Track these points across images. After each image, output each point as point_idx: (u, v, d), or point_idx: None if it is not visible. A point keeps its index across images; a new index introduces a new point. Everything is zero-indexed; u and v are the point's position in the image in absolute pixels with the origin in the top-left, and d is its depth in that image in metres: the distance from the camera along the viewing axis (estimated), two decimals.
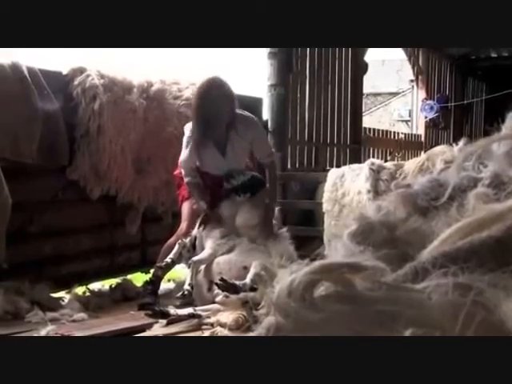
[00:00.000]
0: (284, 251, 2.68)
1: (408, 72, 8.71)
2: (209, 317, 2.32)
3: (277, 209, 3.01)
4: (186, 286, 2.46)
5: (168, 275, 2.98)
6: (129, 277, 3.34)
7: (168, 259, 2.59)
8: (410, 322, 0.50)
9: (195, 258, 2.60)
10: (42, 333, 2.13)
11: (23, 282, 2.64)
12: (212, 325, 2.26)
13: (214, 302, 2.42)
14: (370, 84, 8.99)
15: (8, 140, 2.65)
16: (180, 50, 4.09)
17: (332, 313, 0.53)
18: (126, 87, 3.20)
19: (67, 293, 2.86)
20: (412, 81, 8.17)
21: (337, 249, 0.81)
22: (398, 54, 8.64)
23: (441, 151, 3.21)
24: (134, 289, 3.01)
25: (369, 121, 9.73)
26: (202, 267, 2.61)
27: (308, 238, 3.42)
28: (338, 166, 4.51)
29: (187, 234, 2.82)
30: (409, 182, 1.06)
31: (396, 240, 0.81)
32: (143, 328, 2.28)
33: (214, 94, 2.66)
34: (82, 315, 2.49)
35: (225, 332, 2.13)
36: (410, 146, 7.21)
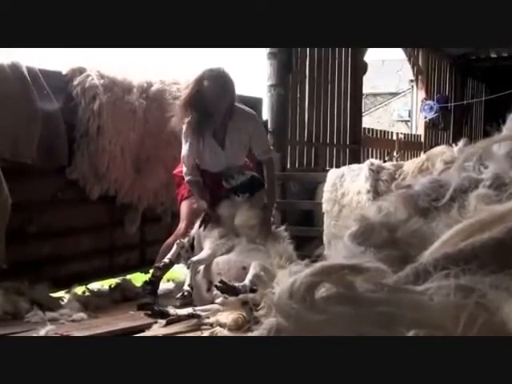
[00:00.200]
0: (283, 251, 2.68)
1: (408, 72, 8.71)
2: (208, 317, 2.31)
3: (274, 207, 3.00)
4: (186, 287, 2.46)
5: (167, 275, 2.98)
6: (128, 277, 3.34)
7: (166, 259, 2.59)
8: (412, 324, 0.50)
9: (194, 259, 2.59)
10: (42, 333, 2.12)
11: (23, 282, 2.63)
12: (211, 325, 2.26)
13: (213, 303, 2.42)
14: (369, 84, 9.00)
15: (7, 140, 2.64)
16: (180, 49, 4.09)
17: (333, 314, 0.53)
18: (126, 87, 3.19)
19: (67, 293, 2.86)
20: (412, 81, 8.18)
21: (337, 250, 0.80)
22: (397, 54, 8.64)
23: (440, 152, 3.21)
24: (134, 289, 3.01)
25: (368, 121, 9.74)
26: (201, 267, 2.60)
27: (308, 239, 3.42)
28: (338, 166, 4.51)
29: (185, 234, 2.82)
30: (409, 183, 1.05)
31: (397, 241, 0.81)
32: (143, 328, 2.28)
33: (216, 79, 2.65)
34: (82, 315, 2.49)
35: (224, 332, 2.13)
36: (410, 146, 7.21)
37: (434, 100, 7.52)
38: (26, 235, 2.84)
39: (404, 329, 0.49)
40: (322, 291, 0.58)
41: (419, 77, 7.46)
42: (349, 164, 4.13)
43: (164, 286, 3.06)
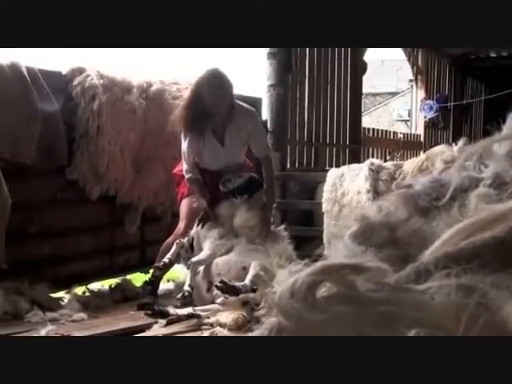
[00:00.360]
0: (283, 251, 2.68)
1: (407, 72, 8.72)
2: (208, 317, 2.31)
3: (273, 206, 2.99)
4: (186, 287, 2.46)
5: (167, 275, 2.98)
6: (128, 277, 3.33)
7: (166, 259, 2.59)
8: (413, 323, 0.50)
9: (194, 259, 2.59)
10: (42, 333, 2.12)
11: (23, 282, 2.63)
12: (212, 325, 2.26)
13: (213, 303, 2.42)
14: (369, 84, 9.01)
15: (7, 140, 2.64)
16: (180, 49, 4.09)
17: (334, 314, 0.53)
18: (126, 87, 3.19)
19: (67, 293, 2.86)
20: (411, 81, 8.18)
21: (338, 249, 0.80)
22: (397, 54, 8.65)
23: (440, 151, 3.21)
24: (134, 289, 3.01)
25: (368, 121, 9.74)
26: (201, 268, 2.60)
27: (307, 238, 3.42)
28: (338, 165, 4.51)
29: (185, 233, 2.82)
30: (410, 183, 1.05)
31: (397, 240, 0.81)
32: (143, 328, 2.28)
33: (213, 83, 2.65)
34: (82, 315, 2.49)
35: (224, 332, 2.13)
36: (410, 145, 7.21)
37: (433, 99, 7.52)
38: (26, 235, 2.84)
39: (405, 328, 0.49)
40: (322, 290, 0.58)
41: (419, 76, 7.46)
42: (349, 164, 4.13)
43: (164, 286, 3.06)
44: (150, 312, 2.27)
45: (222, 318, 2.26)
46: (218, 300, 2.37)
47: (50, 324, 2.26)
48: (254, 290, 2.33)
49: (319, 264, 0.62)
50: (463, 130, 8.23)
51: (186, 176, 2.85)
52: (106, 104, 3.04)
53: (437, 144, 5.63)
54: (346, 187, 3.45)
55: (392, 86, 12.48)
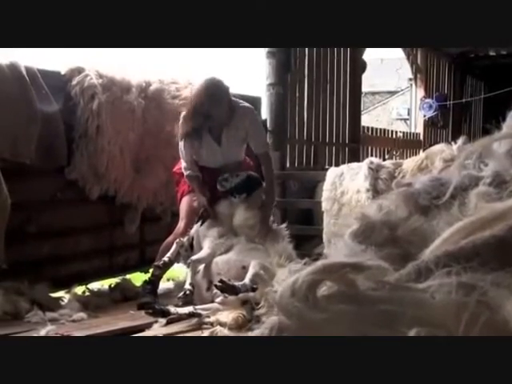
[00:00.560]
0: (283, 250, 2.68)
1: (407, 71, 8.71)
2: (208, 316, 2.31)
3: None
4: (187, 286, 2.45)
5: (167, 274, 2.98)
6: (128, 276, 3.34)
7: (166, 258, 2.59)
8: (414, 322, 0.50)
9: (194, 257, 2.59)
10: (42, 333, 2.12)
11: (23, 282, 2.63)
12: (212, 324, 2.26)
13: (213, 302, 2.42)
14: (368, 83, 9.00)
15: (7, 140, 2.64)
16: (179, 49, 4.09)
17: (335, 313, 0.53)
18: (125, 87, 3.19)
19: (66, 293, 2.86)
20: (410, 79, 8.18)
21: (338, 248, 0.80)
22: (396, 53, 8.64)
23: (440, 150, 3.21)
24: (134, 288, 3.01)
25: (367, 119, 9.74)
26: (201, 267, 2.60)
27: (307, 237, 3.42)
28: (337, 164, 4.51)
29: (185, 233, 2.82)
30: (410, 181, 1.06)
31: (397, 239, 0.81)
32: (143, 327, 2.28)
33: (212, 96, 2.68)
34: (82, 315, 2.49)
35: (224, 331, 2.13)
36: (409, 144, 7.21)
37: (433, 98, 7.52)
38: (26, 235, 2.84)
39: (406, 327, 0.49)
40: (323, 289, 0.58)
41: (418, 75, 7.46)
42: (348, 163, 4.13)
43: (164, 285, 3.06)
44: (150, 311, 2.27)
45: (221, 317, 2.26)
46: (218, 299, 2.37)
47: (49, 324, 2.25)
48: (253, 289, 2.33)
49: (320, 263, 0.62)
50: (462, 129, 8.23)
51: (186, 173, 2.85)
52: (105, 104, 3.04)
53: (436, 143, 5.63)
54: (346, 186, 3.45)
55: (391, 84, 12.47)
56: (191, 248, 2.75)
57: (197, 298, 2.53)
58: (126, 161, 3.20)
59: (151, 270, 2.63)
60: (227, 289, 2.27)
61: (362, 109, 6.30)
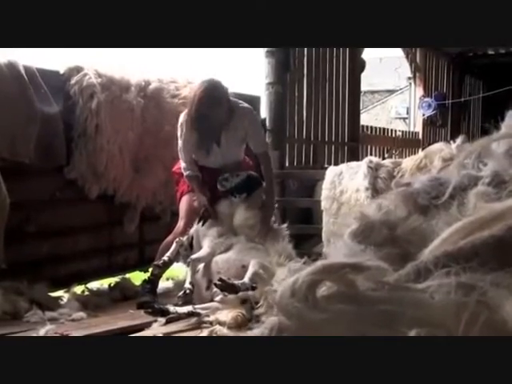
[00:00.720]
0: (282, 249, 2.68)
1: (405, 69, 8.71)
2: (208, 315, 2.32)
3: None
4: (187, 285, 2.45)
5: (166, 274, 2.98)
6: (127, 276, 3.33)
7: (165, 257, 2.59)
8: (413, 322, 0.50)
9: (194, 256, 2.60)
10: (41, 332, 2.12)
11: (22, 282, 2.63)
12: (211, 323, 2.26)
13: (212, 301, 2.43)
14: (367, 81, 9.00)
15: (5, 140, 2.63)
16: (178, 48, 4.08)
17: (335, 313, 0.53)
18: (124, 86, 3.18)
19: (66, 292, 2.86)
20: (409, 78, 8.18)
21: (338, 248, 0.80)
22: (395, 52, 8.64)
23: (438, 149, 3.21)
24: (133, 288, 3.01)
25: (366, 118, 9.74)
26: (201, 266, 2.61)
27: (307, 236, 3.43)
28: (336, 163, 4.51)
29: (185, 232, 2.82)
30: (409, 181, 1.06)
31: (397, 239, 0.81)
32: (142, 327, 2.28)
33: (210, 97, 2.68)
34: (81, 314, 2.49)
35: (224, 330, 2.14)
36: (408, 143, 7.22)
37: (431, 97, 7.52)
38: (25, 235, 2.83)
39: (405, 327, 0.49)
40: (323, 290, 0.58)
41: (417, 74, 7.47)
42: (347, 161, 4.13)
43: (163, 284, 3.06)
44: (149, 310, 2.27)
45: (221, 316, 2.26)
46: (217, 298, 2.38)
47: (49, 323, 2.25)
48: (253, 288, 2.33)
49: (319, 263, 0.62)
50: (461, 128, 8.24)
51: (185, 173, 2.85)
52: (105, 103, 3.03)
53: (435, 142, 5.63)
54: (345, 185, 3.46)
55: (390, 83, 12.47)
56: (191, 247, 2.75)
57: (196, 297, 2.53)
58: (125, 160, 3.19)
59: (151, 270, 2.63)
60: (227, 287, 2.27)
61: (361, 108, 6.30)
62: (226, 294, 2.30)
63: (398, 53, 8.20)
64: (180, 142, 2.83)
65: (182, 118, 2.84)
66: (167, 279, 3.35)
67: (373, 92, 12.55)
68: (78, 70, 3.01)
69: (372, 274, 0.59)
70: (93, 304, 2.72)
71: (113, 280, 3.17)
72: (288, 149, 4.61)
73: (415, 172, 3.10)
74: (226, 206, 2.78)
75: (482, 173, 0.88)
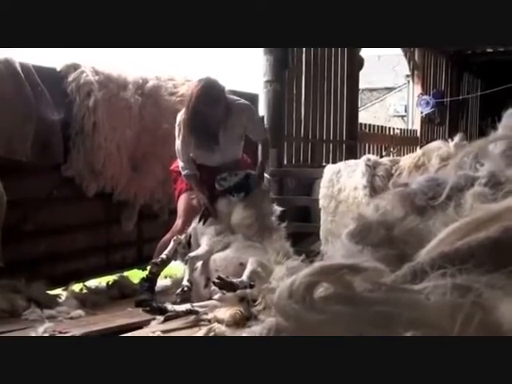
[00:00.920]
0: (280, 247, 2.69)
1: (404, 67, 8.71)
2: (206, 313, 2.32)
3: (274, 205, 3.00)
4: (185, 282, 2.46)
5: (164, 272, 2.98)
6: (125, 274, 3.34)
7: (163, 255, 2.60)
8: (409, 323, 0.50)
9: (192, 254, 2.60)
10: (40, 330, 2.12)
11: (19, 280, 2.63)
12: (209, 321, 2.27)
13: (211, 299, 2.43)
14: (365, 79, 8.98)
15: (2, 138, 2.62)
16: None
17: (332, 314, 0.53)
18: (121, 84, 3.17)
19: (64, 290, 2.86)
20: (408, 76, 8.18)
21: (335, 248, 0.81)
22: (393, 50, 8.64)
23: (436, 147, 3.21)
24: (131, 286, 3.01)
25: (365, 116, 9.73)
26: (199, 264, 2.61)
27: (304, 234, 3.43)
28: (335, 161, 4.51)
29: (183, 230, 2.82)
30: (406, 181, 1.06)
31: (394, 239, 0.81)
32: (140, 325, 2.29)
33: (207, 96, 2.68)
34: (79, 312, 2.49)
35: (222, 328, 2.14)
36: (406, 141, 7.22)
37: (430, 95, 7.53)
38: (22, 233, 2.83)
39: (401, 328, 0.49)
40: (320, 291, 0.58)
41: (415, 72, 7.47)
42: (345, 160, 4.13)
43: (161, 282, 3.06)
44: (147, 308, 2.28)
45: (219, 314, 2.27)
46: (216, 296, 2.38)
47: (47, 321, 2.26)
48: (251, 286, 2.34)
49: (317, 264, 0.62)
50: (459, 126, 8.25)
51: (183, 172, 2.85)
52: (102, 100, 3.02)
53: (433, 139, 5.64)
54: (343, 183, 3.46)
55: (389, 81, 12.46)
56: (189, 245, 2.75)
57: (194, 294, 2.53)
58: (122, 158, 3.19)
59: (149, 268, 2.63)
60: (225, 285, 2.28)
61: (359, 106, 6.30)
62: (225, 291, 2.31)
63: (396, 51, 8.20)
64: (178, 142, 2.83)
65: (179, 117, 2.84)
66: (165, 277, 3.35)
67: (371, 90, 12.54)
68: (75, 67, 3.00)
69: (369, 275, 0.59)
70: (91, 302, 2.72)
71: (111, 278, 3.17)
72: (286, 147, 4.61)
73: (413, 170, 3.10)
74: (224, 205, 2.78)
75: (478, 173, 0.88)
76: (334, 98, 5.28)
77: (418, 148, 5.87)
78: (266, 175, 3.16)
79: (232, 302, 2.33)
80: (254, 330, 0.70)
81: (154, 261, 2.61)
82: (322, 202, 3.51)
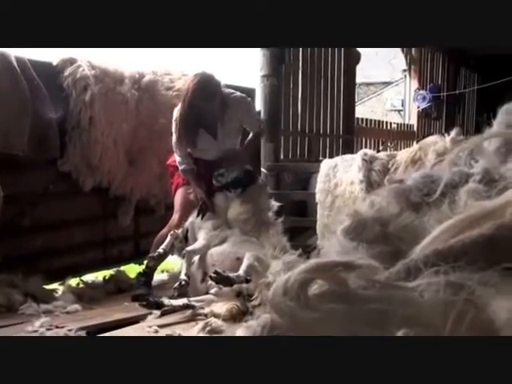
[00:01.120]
0: (277, 242, 2.70)
1: (401, 62, 8.68)
2: (203, 307, 2.33)
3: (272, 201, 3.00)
4: (183, 276, 2.47)
5: (161, 266, 2.99)
6: (122, 268, 3.34)
7: (160, 249, 2.60)
8: (403, 321, 0.51)
9: (189, 248, 2.61)
10: (36, 325, 2.13)
11: (16, 275, 2.63)
12: (206, 315, 2.28)
13: (207, 293, 2.44)
14: (362, 74, 8.94)
15: None
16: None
17: (326, 312, 0.54)
18: (118, 78, 3.16)
19: (61, 285, 2.86)
20: (405, 70, 8.16)
21: (331, 245, 0.81)
22: None
23: (433, 141, 3.22)
24: (128, 280, 3.02)
25: (362, 110, 9.71)
26: (196, 258, 2.62)
27: (301, 229, 3.44)
28: (331, 156, 4.51)
29: (179, 225, 2.82)
30: (402, 178, 1.07)
31: (388, 236, 0.82)
32: (137, 319, 2.30)
33: (203, 91, 2.67)
34: (76, 307, 2.50)
35: (218, 322, 2.15)
36: (403, 136, 7.23)
37: (426, 89, 7.52)
38: (19, 228, 2.82)
39: (395, 326, 0.50)
40: (314, 288, 0.59)
41: (412, 66, 7.46)
42: (342, 154, 4.13)
43: (158, 276, 3.07)
44: (144, 303, 2.29)
45: (216, 309, 2.28)
46: (212, 290, 2.39)
47: (44, 316, 2.26)
48: (248, 281, 2.35)
49: (312, 262, 0.63)
50: (456, 120, 8.26)
51: (180, 167, 2.85)
52: (98, 95, 3.01)
53: (430, 134, 5.63)
54: (340, 178, 3.46)
55: (385, 75, 12.43)
56: (186, 240, 2.76)
57: (191, 289, 2.54)
58: (119, 153, 3.18)
59: (145, 262, 2.64)
60: (222, 280, 2.29)
61: (356, 100, 6.28)
62: (221, 286, 2.32)
63: None
64: (174, 137, 2.82)
65: (176, 112, 2.83)
66: (162, 272, 3.36)
67: (368, 84, 12.50)
68: (71, 61, 2.98)
69: (363, 273, 0.60)
70: (88, 296, 2.72)
71: (108, 273, 3.17)
72: (283, 141, 4.60)
73: (410, 165, 3.11)
74: (222, 200, 2.79)
75: (473, 170, 0.89)
76: (330, 93, 5.27)
77: (414, 142, 5.88)
78: (262, 170, 3.18)
79: (229, 296, 2.34)
80: (251, 324, 0.71)
81: (150, 255, 2.61)
82: (318, 197, 3.51)
